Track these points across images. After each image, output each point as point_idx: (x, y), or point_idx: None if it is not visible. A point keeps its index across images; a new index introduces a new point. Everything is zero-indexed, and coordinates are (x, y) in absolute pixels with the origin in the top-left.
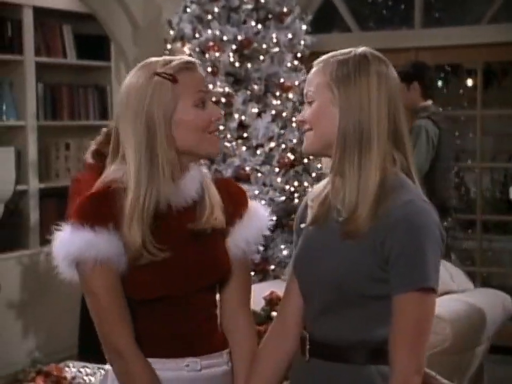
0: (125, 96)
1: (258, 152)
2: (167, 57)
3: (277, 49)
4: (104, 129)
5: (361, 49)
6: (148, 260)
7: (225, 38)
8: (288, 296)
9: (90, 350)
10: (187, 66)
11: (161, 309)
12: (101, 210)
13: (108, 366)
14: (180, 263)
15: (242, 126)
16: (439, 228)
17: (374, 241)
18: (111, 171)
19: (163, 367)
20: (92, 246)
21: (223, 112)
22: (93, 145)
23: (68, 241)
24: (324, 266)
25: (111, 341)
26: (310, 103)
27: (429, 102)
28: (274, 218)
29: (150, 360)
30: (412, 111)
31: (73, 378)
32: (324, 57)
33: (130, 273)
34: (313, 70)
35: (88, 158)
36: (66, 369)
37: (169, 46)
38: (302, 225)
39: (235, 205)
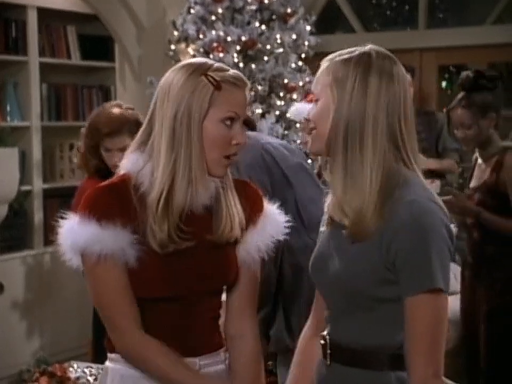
0: (168, 86)
1: None
2: (223, 65)
3: (281, 50)
4: (82, 130)
5: (367, 47)
6: (172, 248)
7: (229, 38)
8: (318, 298)
9: (104, 352)
10: (235, 82)
11: (165, 310)
12: (111, 203)
13: (107, 363)
14: (188, 266)
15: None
16: (446, 226)
17: (381, 242)
18: (130, 161)
19: None
20: (97, 241)
21: (246, 140)
22: (79, 151)
23: (75, 231)
24: (331, 270)
25: (117, 331)
26: (316, 101)
27: None
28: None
29: None
30: None
31: (77, 378)
32: (331, 56)
33: (138, 271)
34: (321, 68)
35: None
36: (71, 369)
37: (173, 47)
38: (321, 229)
39: (251, 210)
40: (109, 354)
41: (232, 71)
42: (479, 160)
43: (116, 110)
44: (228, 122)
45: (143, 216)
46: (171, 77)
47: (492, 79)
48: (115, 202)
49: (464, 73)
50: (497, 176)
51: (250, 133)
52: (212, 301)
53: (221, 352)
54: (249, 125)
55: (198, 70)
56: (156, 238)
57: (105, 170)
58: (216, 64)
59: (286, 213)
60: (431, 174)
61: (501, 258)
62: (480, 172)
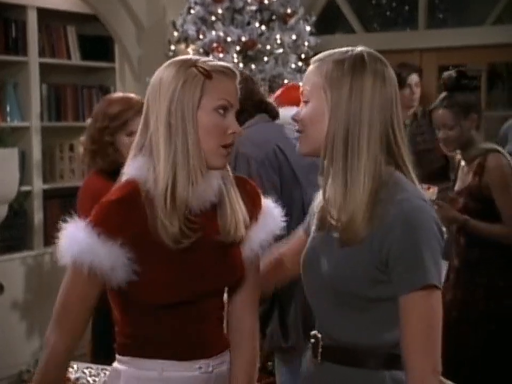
0: (158, 82)
1: None
2: (211, 58)
3: (281, 50)
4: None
5: (359, 49)
6: (185, 243)
7: (229, 39)
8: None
9: (103, 352)
10: (225, 71)
11: (176, 313)
12: (119, 219)
13: (118, 365)
14: (198, 266)
15: None
16: (436, 223)
17: (371, 243)
18: (133, 166)
19: (178, 368)
20: (90, 252)
21: (241, 130)
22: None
23: (74, 237)
24: (322, 271)
25: (58, 332)
26: (305, 102)
27: None
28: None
29: (163, 361)
30: None
31: (77, 379)
32: (321, 55)
33: (149, 278)
34: (310, 68)
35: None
36: (70, 370)
37: (173, 47)
38: (312, 229)
39: (252, 206)
40: (120, 357)
41: (221, 62)
42: (462, 162)
43: (127, 94)
44: (221, 111)
45: (153, 215)
46: (160, 74)
47: (473, 78)
48: (126, 216)
49: (446, 73)
50: (480, 179)
51: (270, 125)
52: (218, 302)
53: (227, 352)
54: (270, 113)
55: (187, 63)
56: (169, 233)
57: (114, 167)
58: (204, 58)
59: (292, 213)
60: (443, 168)
61: (484, 264)
62: (463, 174)
